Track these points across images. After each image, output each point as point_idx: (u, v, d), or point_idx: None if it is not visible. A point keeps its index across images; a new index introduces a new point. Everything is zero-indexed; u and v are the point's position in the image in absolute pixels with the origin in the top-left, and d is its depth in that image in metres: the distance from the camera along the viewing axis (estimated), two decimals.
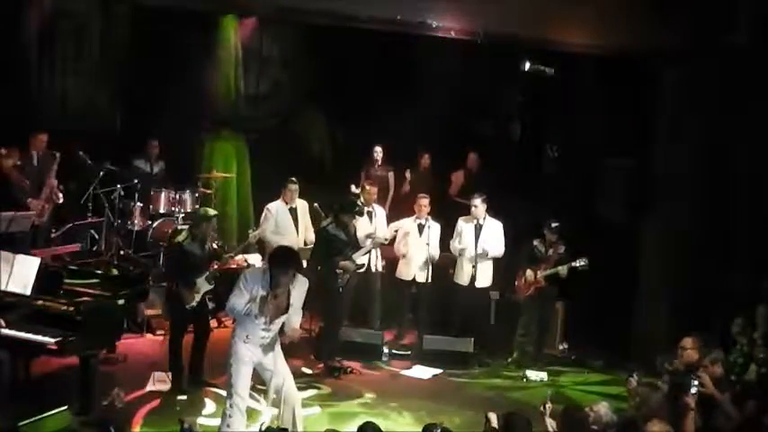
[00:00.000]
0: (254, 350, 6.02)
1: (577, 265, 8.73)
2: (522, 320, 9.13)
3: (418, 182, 10.92)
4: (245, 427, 6.09)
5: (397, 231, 9.38)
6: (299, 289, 6.05)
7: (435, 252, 9.21)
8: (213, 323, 8.59)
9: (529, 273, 8.93)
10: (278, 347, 6.15)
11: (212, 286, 7.68)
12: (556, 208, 9.50)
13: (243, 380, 6.01)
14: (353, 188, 10.51)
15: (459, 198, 10.67)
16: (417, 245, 9.20)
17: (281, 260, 5.92)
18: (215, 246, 7.94)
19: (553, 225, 8.87)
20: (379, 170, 10.74)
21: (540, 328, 9.14)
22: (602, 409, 5.57)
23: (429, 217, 9.29)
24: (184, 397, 7.34)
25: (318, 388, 7.93)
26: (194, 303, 7.55)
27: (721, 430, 6.11)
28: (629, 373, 6.71)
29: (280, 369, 6.10)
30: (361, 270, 8.86)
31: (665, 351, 7.26)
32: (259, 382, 6.47)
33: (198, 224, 7.76)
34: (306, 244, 9.17)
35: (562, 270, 8.78)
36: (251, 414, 6.59)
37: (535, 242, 9.02)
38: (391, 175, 10.95)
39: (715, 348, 6.62)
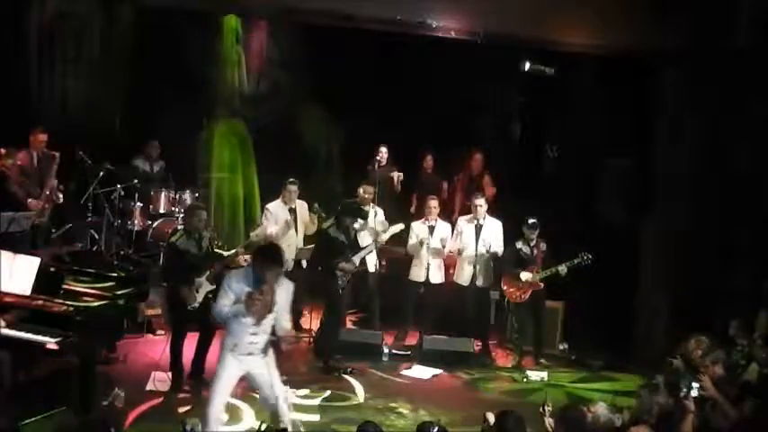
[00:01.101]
0: (243, 360, 5.90)
1: (581, 261, 8.69)
2: (518, 322, 9.14)
3: (421, 183, 10.91)
4: None
5: (403, 232, 9.37)
6: (285, 291, 5.96)
7: (445, 253, 9.23)
8: None
9: (524, 275, 8.91)
10: (271, 358, 6.03)
11: (214, 286, 7.66)
12: (556, 208, 9.50)
13: (222, 392, 5.92)
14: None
15: (466, 200, 10.63)
16: (428, 246, 9.17)
17: (266, 257, 5.86)
18: (216, 245, 7.90)
19: (530, 222, 8.86)
20: (383, 170, 10.72)
21: (536, 327, 9.13)
22: (600, 409, 5.57)
23: (438, 218, 9.30)
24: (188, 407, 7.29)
25: (317, 388, 7.95)
26: (196, 304, 7.53)
27: (719, 429, 6.10)
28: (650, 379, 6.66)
29: (272, 379, 5.96)
30: (362, 269, 8.84)
31: (665, 351, 7.27)
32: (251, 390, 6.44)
33: (188, 219, 7.78)
34: (305, 243, 9.18)
35: (562, 269, 8.76)
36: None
37: (518, 244, 9.00)
38: (395, 174, 10.93)
39: (715, 348, 6.61)
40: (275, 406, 5.96)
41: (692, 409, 5.80)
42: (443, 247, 9.18)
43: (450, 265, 9.52)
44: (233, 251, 8.36)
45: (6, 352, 6.36)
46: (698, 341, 6.65)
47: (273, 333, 6.04)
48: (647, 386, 6.24)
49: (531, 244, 8.94)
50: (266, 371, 5.96)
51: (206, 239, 7.75)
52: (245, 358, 5.92)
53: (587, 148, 10.50)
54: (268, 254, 5.93)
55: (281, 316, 5.98)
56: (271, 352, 6.05)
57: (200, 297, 7.56)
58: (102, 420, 5.13)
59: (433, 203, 9.31)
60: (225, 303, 5.82)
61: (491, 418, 5.28)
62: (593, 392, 8.26)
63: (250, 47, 11.40)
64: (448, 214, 10.10)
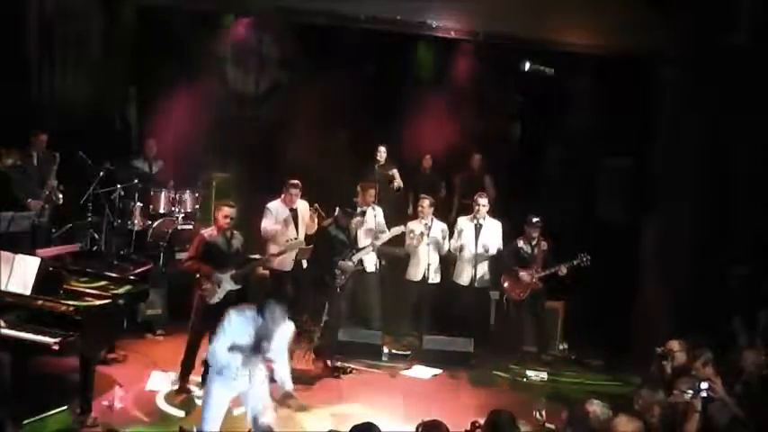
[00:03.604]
0: (230, 386, 5.73)
1: (580, 261, 8.67)
2: (520, 320, 9.14)
3: (419, 182, 10.92)
4: None
5: (404, 233, 9.37)
6: (284, 332, 5.71)
7: (443, 252, 9.24)
8: None
9: (523, 275, 8.91)
10: (264, 386, 5.80)
11: (239, 287, 7.64)
12: (556, 208, 9.50)
13: (214, 419, 5.73)
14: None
15: (464, 200, 10.64)
16: (425, 246, 9.18)
17: (278, 308, 5.53)
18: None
19: (534, 221, 8.83)
20: (383, 170, 10.73)
21: (537, 327, 9.13)
22: (598, 408, 5.59)
23: (433, 217, 9.29)
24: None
25: (317, 388, 7.95)
26: (216, 299, 7.50)
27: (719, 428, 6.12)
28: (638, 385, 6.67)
29: (260, 400, 5.78)
30: (361, 269, 8.83)
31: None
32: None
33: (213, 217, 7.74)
34: (306, 243, 9.18)
35: (561, 269, 8.74)
36: None
37: (519, 242, 8.97)
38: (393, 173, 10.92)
39: (704, 349, 6.61)
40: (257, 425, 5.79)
41: (699, 408, 5.82)
42: (428, 245, 9.12)
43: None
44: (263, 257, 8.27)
45: (6, 352, 6.37)
46: (680, 343, 6.67)
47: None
48: (647, 386, 6.27)
49: (533, 243, 8.91)
50: (255, 396, 5.73)
51: (237, 239, 7.72)
52: (232, 383, 5.72)
53: (587, 148, 10.50)
54: (278, 304, 5.57)
55: (280, 366, 5.75)
56: (266, 382, 5.81)
57: (220, 293, 7.54)
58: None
59: (426, 203, 9.29)
60: (221, 347, 5.56)
61: (482, 423, 5.27)
62: (592, 393, 8.25)
63: (250, 47, 11.39)
64: (445, 214, 10.11)
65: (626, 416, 5.45)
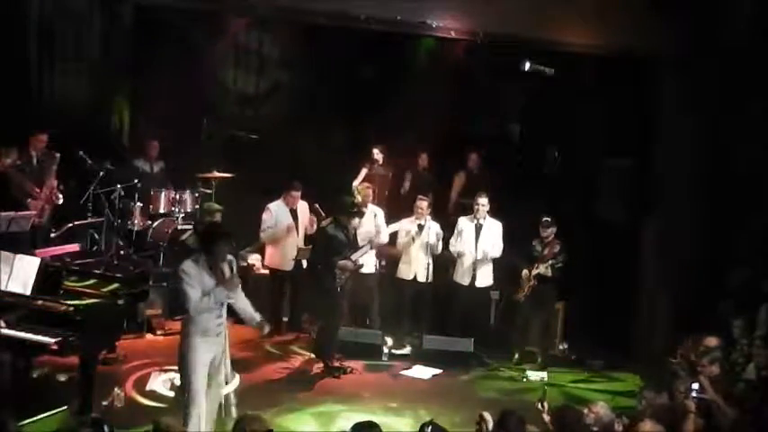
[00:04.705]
0: (211, 343, 5.99)
1: (554, 261, 8.71)
2: (520, 320, 9.15)
3: (417, 182, 10.91)
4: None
5: (397, 232, 9.37)
6: (230, 267, 6.09)
7: (436, 252, 9.22)
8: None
9: (524, 273, 8.94)
10: (226, 338, 6.21)
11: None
12: (556, 208, 9.49)
13: (203, 382, 5.94)
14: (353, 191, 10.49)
15: (462, 199, 10.64)
16: (417, 245, 9.19)
17: (215, 234, 6.06)
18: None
19: (544, 220, 8.85)
20: (380, 170, 10.73)
21: (542, 328, 9.13)
22: (602, 409, 5.59)
23: (429, 217, 9.29)
24: None
25: (317, 388, 7.94)
26: None
27: (719, 429, 6.12)
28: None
29: (224, 358, 6.18)
30: (361, 269, 8.84)
31: (665, 351, 7.27)
32: None
33: (202, 220, 7.75)
34: (306, 243, 9.19)
35: (544, 269, 8.76)
36: None
37: (534, 242, 9.00)
38: (392, 175, 10.93)
39: (713, 348, 6.61)
40: (220, 382, 6.12)
41: (693, 409, 5.82)
42: (427, 243, 9.12)
43: (442, 264, 9.49)
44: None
45: (6, 352, 6.37)
46: (718, 341, 6.67)
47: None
48: (650, 387, 6.27)
49: (544, 242, 8.92)
50: (221, 349, 6.11)
51: None
52: (215, 340, 6.01)
53: (587, 148, 10.49)
54: (216, 231, 6.25)
55: (239, 300, 6.19)
56: (225, 332, 6.18)
57: None
58: (99, 420, 5.11)
59: (423, 204, 9.27)
60: (197, 296, 5.81)
61: (487, 417, 5.27)
62: (592, 393, 8.26)
63: (249, 47, 11.38)
64: (445, 214, 10.10)
65: (650, 420, 5.46)
